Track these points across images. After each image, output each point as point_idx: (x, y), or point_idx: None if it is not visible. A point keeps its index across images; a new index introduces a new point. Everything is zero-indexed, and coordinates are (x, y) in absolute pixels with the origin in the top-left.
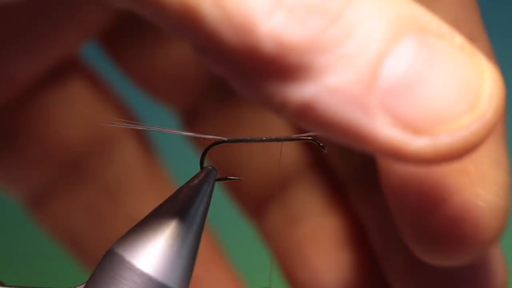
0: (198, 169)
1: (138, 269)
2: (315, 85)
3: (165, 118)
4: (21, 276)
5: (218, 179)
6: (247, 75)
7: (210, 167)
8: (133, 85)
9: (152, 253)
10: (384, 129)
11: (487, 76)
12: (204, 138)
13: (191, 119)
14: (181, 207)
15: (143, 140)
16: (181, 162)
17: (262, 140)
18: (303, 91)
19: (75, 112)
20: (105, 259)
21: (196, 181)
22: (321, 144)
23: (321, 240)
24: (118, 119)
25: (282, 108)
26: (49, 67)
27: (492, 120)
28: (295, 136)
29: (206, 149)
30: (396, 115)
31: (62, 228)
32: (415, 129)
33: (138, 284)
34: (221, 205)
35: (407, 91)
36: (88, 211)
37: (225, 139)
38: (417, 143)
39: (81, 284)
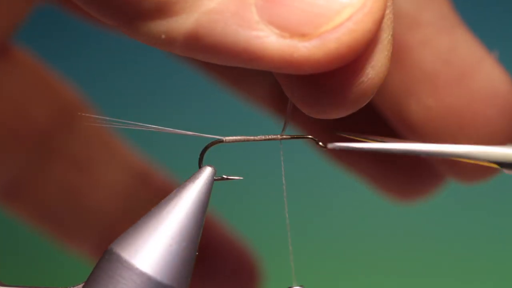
0: (197, 168)
1: (137, 269)
2: (195, 13)
3: (164, 118)
4: (21, 276)
5: (217, 179)
6: (132, 19)
7: (208, 167)
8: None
9: (151, 253)
10: (272, 41)
11: None
12: None
13: None
14: (180, 206)
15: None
16: (181, 162)
17: (261, 139)
18: (185, 22)
19: (31, 90)
20: (104, 259)
21: (194, 180)
22: (320, 142)
23: None
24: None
25: (172, 44)
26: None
27: (375, 7)
28: (295, 135)
29: (205, 149)
30: (280, 24)
31: (39, 211)
32: (302, 34)
33: (137, 284)
34: (221, 204)
35: None
36: (62, 187)
37: (223, 138)
38: (307, 47)
39: (79, 284)
